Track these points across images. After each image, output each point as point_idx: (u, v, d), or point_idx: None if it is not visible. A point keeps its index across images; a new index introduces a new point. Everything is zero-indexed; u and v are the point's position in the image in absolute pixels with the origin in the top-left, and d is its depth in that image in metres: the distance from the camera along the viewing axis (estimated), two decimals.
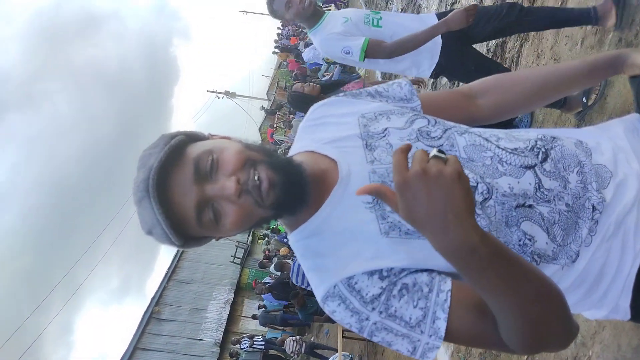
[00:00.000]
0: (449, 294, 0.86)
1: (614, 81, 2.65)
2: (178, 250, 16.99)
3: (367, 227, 0.93)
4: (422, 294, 0.87)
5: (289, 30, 21.60)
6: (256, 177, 0.92)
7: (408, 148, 0.74)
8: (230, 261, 17.02)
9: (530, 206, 0.95)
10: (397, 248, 0.90)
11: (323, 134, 1.06)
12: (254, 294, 13.39)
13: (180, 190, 0.91)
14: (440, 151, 0.72)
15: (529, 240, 0.94)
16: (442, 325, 0.86)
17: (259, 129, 27.95)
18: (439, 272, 0.90)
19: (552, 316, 0.79)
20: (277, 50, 20.89)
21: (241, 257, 17.43)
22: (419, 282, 0.88)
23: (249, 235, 18.48)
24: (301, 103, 3.54)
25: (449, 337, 0.87)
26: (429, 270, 0.90)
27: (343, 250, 0.93)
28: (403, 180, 0.70)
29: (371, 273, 0.89)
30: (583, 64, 1.14)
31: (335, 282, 0.91)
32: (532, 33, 3.65)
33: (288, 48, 18.92)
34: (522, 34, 3.78)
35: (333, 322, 7.96)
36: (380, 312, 0.88)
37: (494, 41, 4.27)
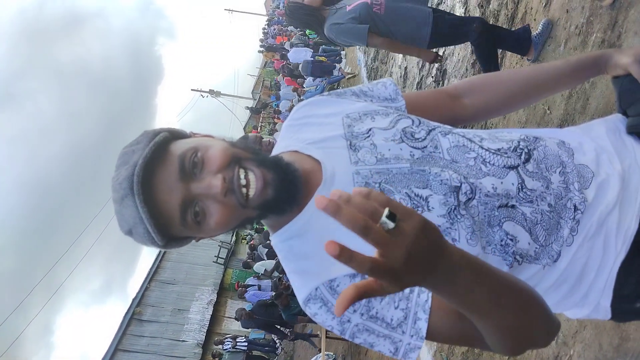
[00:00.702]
0: (430, 294, 0.86)
1: (596, 82, 2.68)
2: (160, 251, 16.76)
3: None
4: (403, 295, 0.87)
5: (274, 29, 21.57)
6: (242, 176, 0.90)
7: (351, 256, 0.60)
8: (213, 261, 16.92)
9: (512, 206, 0.95)
10: None
11: (307, 134, 1.05)
12: (237, 295, 13.30)
13: (164, 188, 0.89)
14: (390, 216, 0.60)
15: (511, 240, 0.94)
16: (423, 325, 0.86)
17: (244, 128, 27.84)
18: None
19: (533, 323, 0.80)
20: (262, 49, 20.85)
21: (224, 257, 17.34)
22: None
23: (232, 235, 18.39)
24: (300, 15, 3.38)
25: (430, 336, 0.87)
26: None
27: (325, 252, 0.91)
28: (394, 276, 0.60)
29: (353, 275, 0.89)
30: (566, 64, 1.15)
31: (317, 285, 0.90)
32: None
33: (274, 47, 18.90)
34: None
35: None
36: (362, 314, 0.87)
37: None
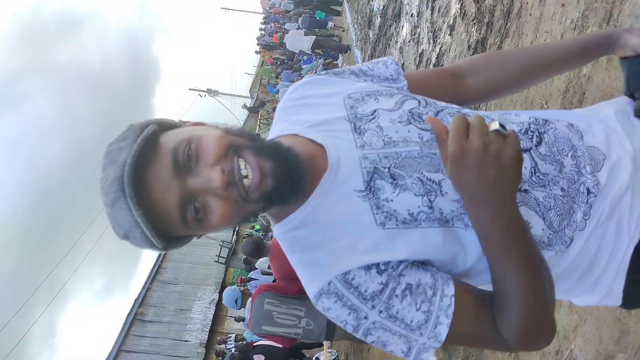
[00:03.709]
0: (453, 298, 0.84)
1: (593, 76, 2.69)
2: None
3: (361, 218, 0.87)
4: (425, 297, 0.84)
5: (271, 27, 21.51)
6: (243, 166, 0.84)
7: (464, 117, 0.76)
8: (214, 261, 16.90)
9: (525, 191, 0.92)
10: (394, 240, 0.85)
11: (306, 116, 0.99)
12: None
13: (159, 187, 0.82)
14: (502, 125, 0.74)
15: None
16: (444, 330, 0.84)
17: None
18: (438, 270, 0.88)
19: (549, 306, 0.84)
20: (259, 49, 20.80)
21: (226, 256, 17.32)
22: (423, 283, 0.85)
23: (233, 235, 18.38)
24: None
25: (447, 340, 0.85)
26: (429, 267, 0.88)
27: (335, 243, 0.87)
28: (461, 150, 0.74)
29: (368, 267, 0.84)
30: (574, 43, 1.11)
31: (330, 279, 0.85)
32: (513, 29, 3.68)
33: (270, 45, 18.86)
34: (502, 30, 3.81)
35: None
36: (381, 312, 0.84)
37: (475, 37, 4.31)
